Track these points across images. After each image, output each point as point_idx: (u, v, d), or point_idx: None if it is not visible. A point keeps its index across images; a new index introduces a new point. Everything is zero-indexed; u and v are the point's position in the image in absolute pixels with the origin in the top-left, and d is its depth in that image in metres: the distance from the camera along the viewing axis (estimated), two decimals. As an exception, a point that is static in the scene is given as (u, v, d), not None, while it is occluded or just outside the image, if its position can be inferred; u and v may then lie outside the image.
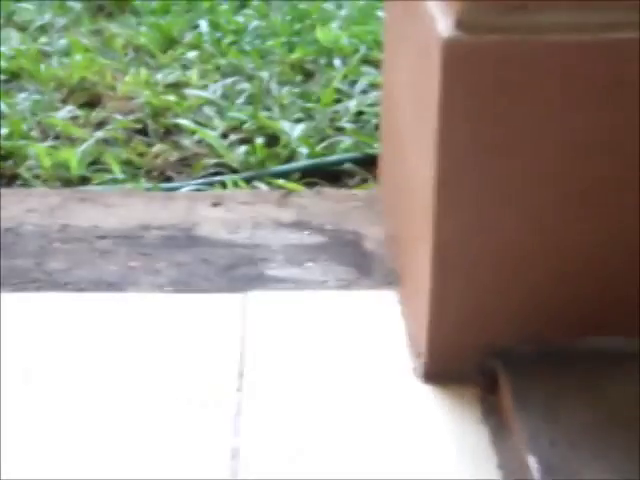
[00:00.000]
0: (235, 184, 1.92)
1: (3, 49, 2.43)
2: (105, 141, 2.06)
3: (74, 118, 2.15)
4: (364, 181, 1.95)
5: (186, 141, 2.07)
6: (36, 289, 1.52)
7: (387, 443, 1.23)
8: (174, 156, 2.03)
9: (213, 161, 2.01)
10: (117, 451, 1.21)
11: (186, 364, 1.36)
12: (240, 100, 2.20)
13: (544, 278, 1.29)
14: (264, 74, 2.30)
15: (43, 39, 2.52)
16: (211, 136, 2.05)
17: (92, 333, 1.42)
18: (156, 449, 1.22)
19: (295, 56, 2.40)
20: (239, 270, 1.57)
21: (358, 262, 1.59)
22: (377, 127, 1.97)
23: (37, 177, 1.95)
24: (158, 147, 2.05)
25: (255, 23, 2.59)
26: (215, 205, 1.77)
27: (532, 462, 1.13)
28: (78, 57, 2.36)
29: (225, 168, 2.00)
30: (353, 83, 2.28)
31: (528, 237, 1.27)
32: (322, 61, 2.40)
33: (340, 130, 2.11)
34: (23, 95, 2.22)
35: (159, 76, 2.31)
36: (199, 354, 1.38)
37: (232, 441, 1.23)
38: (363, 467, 1.19)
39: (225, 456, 1.20)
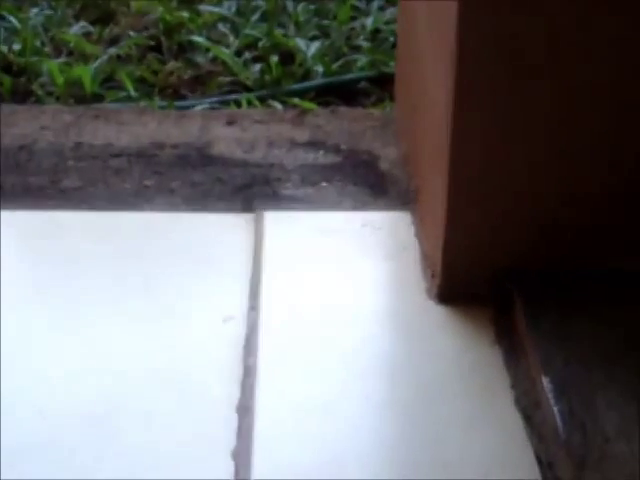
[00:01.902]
0: (250, 102, 1.91)
1: (14, -37, 2.40)
2: (118, 58, 2.04)
3: (87, 34, 2.13)
4: (380, 100, 1.93)
5: (200, 58, 2.05)
6: (51, 207, 1.51)
7: (400, 364, 1.24)
8: (188, 74, 2.01)
9: (227, 79, 1.99)
10: (125, 371, 1.22)
11: (200, 283, 1.37)
12: (255, 17, 2.17)
13: (562, 202, 1.28)
14: (279, -10, 2.27)
15: (55, -47, 2.48)
16: (225, 54, 2.03)
17: (106, 252, 1.42)
18: (165, 367, 1.23)
19: (311, -28, 2.36)
20: (253, 189, 1.56)
21: (373, 182, 1.58)
22: (394, 45, 1.95)
23: (50, 94, 1.94)
24: (172, 64, 2.03)
25: (271, -64, 2.54)
26: (229, 124, 1.75)
27: (545, 382, 1.13)
28: (91, -28, 2.33)
29: (239, 86, 1.98)
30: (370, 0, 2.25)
31: (546, 160, 1.26)
32: (338, -23, 2.36)
33: (356, 48, 2.09)
34: (35, 10, 2.20)
35: (173, -8, 2.29)
36: (213, 273, 1.38)
37: (246, 360, 1.23)
38: (375, 388, 1.20)
39: (238, 374, 1.21)
